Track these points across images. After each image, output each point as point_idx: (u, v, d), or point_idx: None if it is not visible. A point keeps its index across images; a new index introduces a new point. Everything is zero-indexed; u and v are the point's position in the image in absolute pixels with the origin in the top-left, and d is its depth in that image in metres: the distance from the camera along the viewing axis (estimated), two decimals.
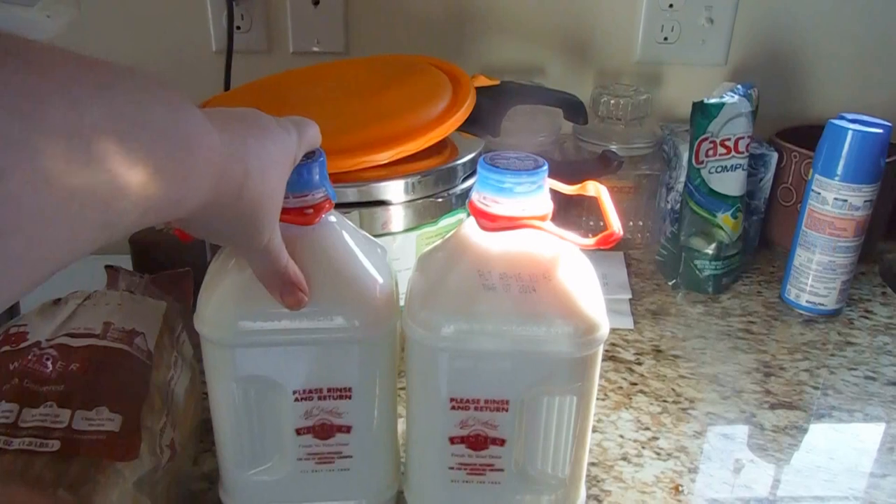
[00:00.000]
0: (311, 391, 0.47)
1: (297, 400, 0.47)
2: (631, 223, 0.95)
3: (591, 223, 0.95)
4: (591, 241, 0.45)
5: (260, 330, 0.46)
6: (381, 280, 0.48)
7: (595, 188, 0.50)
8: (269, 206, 0.41)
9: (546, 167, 0.45)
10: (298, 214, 0.46)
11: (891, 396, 0.70)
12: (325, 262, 0.46)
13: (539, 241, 0.46)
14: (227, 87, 0.89)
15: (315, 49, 0.95)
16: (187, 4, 0.92)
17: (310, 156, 0.46)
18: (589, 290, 0.47)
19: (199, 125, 0.34)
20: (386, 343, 0.49)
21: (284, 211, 0.44)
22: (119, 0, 0.91)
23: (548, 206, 0.46)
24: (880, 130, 0.78)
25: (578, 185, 0.51)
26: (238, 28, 0.92)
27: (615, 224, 0.45)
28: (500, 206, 0.45)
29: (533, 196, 0.45)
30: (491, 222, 0.45)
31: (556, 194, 0.49)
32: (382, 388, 0.49)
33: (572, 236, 0.45)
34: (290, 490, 0.51)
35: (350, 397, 0.48)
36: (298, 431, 0.48)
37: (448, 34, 0.97)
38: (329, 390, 0.47)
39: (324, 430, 0.48)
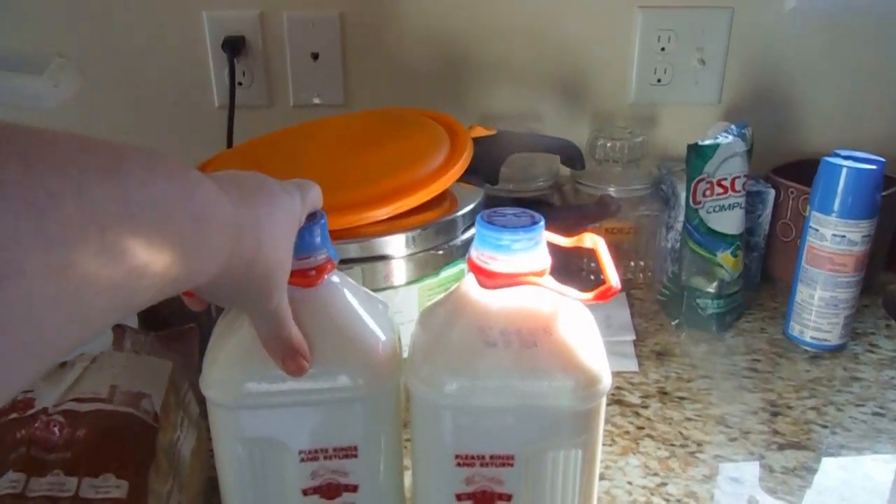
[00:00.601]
0: (316, 451, 0.47)
1: (302, 460, 0.48)
2: (632, 263, 0.96)
3: (593, 264, 0.95)
4: (589, 295, 0.45)
5: (265, 392, 0.46)
6: (383, 337, 0.48)
7: (592, 240, 0.51)
8: (279, 272, 0.42)
9: (542, 223, 0.46)
10: (301, 276, 0.46)
11: None
12: (328, 321, 0.47)
13: (538, 296, 0.46)
14: (229, 142, 0.90)
15: (315, 102, 0.97)
16: (189, 62, 0.94)
17: (311, 217, 0.47)
18: (590, 343, 0.47)
19: (212, 199, 0.34)
20: (390, 399, 0.49)
21: None
22: (121, 61, 0.93)
23: (546, 261, 0.47)
24: (874, 167, 0.79)
25: (575, 238, 0.51)
26: (240, 84, 0.94)
27: (613, 278, 0.46)
28: (498, 262, 0.46)
29: (531, 252, 0.46)
30: (490, 279, 0.46)
31: (554, 244, 0.49)
32: (388, 445, 0.50)
33: (571, 291, 0.46)
34: None
35: (356, 456, 0.48)
36: (305, 492, 0.48)
37: (444, 84, 0.98)
38: (335, 450, 0.48)
39: (330, 490, 0.49)
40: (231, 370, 0.47)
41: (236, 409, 0.47)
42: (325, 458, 0.48)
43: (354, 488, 0.49)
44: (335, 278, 0.48)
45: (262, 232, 0.39)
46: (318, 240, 0.47)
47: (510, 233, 0.45)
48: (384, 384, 0.48)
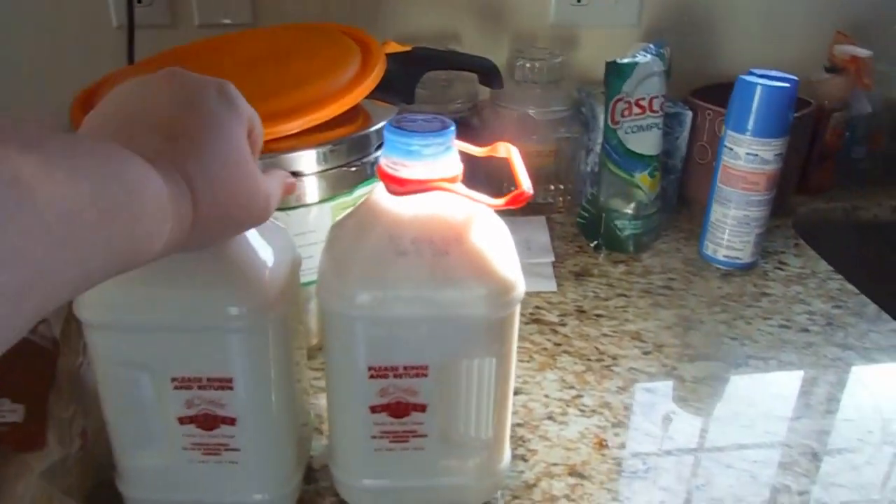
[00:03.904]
0: (190, 379, 0.45)
1: (175, 388, 0.45)
2: (552, 187, 0.96)
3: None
4: (501, 200, 0.44)
5: (139, 313, 0.44)
6: (270, 263, 0.46)
7: (506, 149, 0.50)
8: (240, 205, 0.39)
9: (453, 128, 0.45)
10: None
11: (804, 343, 0.73)
12: (214, 249, 0.43)
13: (450, 204, 0.45)
14: (130, 63, 0.85)
15: (223, 21, 0.92)
16: None
17: None
18: (503, 252, 0.47)
19: (141, 171, 0.32)
20: (275, 330, 0.46)
21: None
22: None
23: (457, 168, 0.45)
24: (787, 84, 0.80)
25: (489, 147, 0.50)
26: (139, 2, 0.88)
27: (525, 183, 0.45)
28: (408, 169, 0.44)
29: (441, 158, 0.44)
30: (400, 187, 0.44)
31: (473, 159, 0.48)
32: (272, 379, 0.47)
33: (483, 197, 0.45)
34: (182, 480, 0.49)
35: (231, 388, 0.46)
36: (181, 420, 0.47)
37: (359, 2, 0.95)
38: (209, 380, 0.45)
39: (207, 421, 0.47)
40: (104, 292, 0.43)
41: (109, 330, 0.45)
42: (199, 387, 0.45)
43: (232, 421, 0.47)
44: None
45: (196, 185, 0.36)
46: None
47: (420, 137, 0.43)
48: (265, 315, 0.45)
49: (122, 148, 0.32)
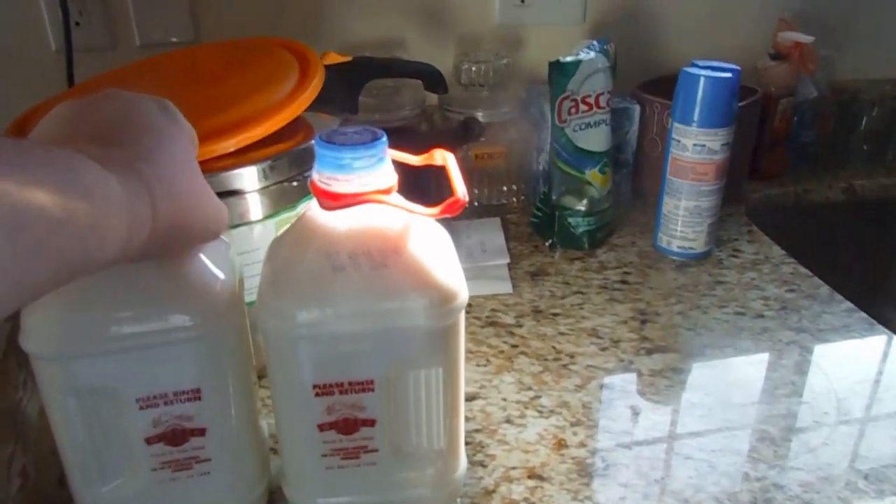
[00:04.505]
0: (155, 397, 0.45)
1: (141, 408, 0.45)
2: (505, 188, 0.96)
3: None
4: (435, 210, 0.44)
5: (92, 339, 0.43)
6: (221, 276, 0.45)
7: (441, 156, 0.49)
8: (193, 210, 0.39)
9: (384, 139, 0.44)
10: None
11: (759, 329, 0.74)
12: (160, 262, 0.44)
13: (386, 216, 0.45)
14: (70, 87, 0.84)
15: (163, 40, 0.91)
16: (19, 3, 0.86)
17: None
18: (443, 260, 0.46)
19: (95, 173, 0.31)
20: (231, 338, 0.47)
21: None
22: None
23: (391, 179, 0.45)
24: (730, 75, 0.80)
25: (425, 156, 0.50)
26: (77, 24, 0.87)
27: (460, 189, 0.45)
28: (340, 183, 0.44)
29: (374, 170, 0.44)
30: (333, 201, 0.44)
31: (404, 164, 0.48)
32: (235, 386, 0.48)
33: (417, 207, 0.45)
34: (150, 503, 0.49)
35: (200, 398, 0.46)
36: (149, 441, 0.46)
37: (300, 13, 0.94)
38: (175, 394, 0.45)
39: (176, 436, 0.46)
40: (50, 317, 0.42)
41: (60, 360, 0.43)
42: (166, 403, 0.45)
43: (202, 432, 0.47)
44: None
45: (153, 189, 0.35)
46: None
47: (350, 150, 0.43)
48: (222, 322, 0.45)
49: (74, 152, 0.31)
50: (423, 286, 0.45)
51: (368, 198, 0.44)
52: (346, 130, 0.45)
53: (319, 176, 0.44)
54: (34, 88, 0.83)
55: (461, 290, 0.46)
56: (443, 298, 0.45)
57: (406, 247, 0.45)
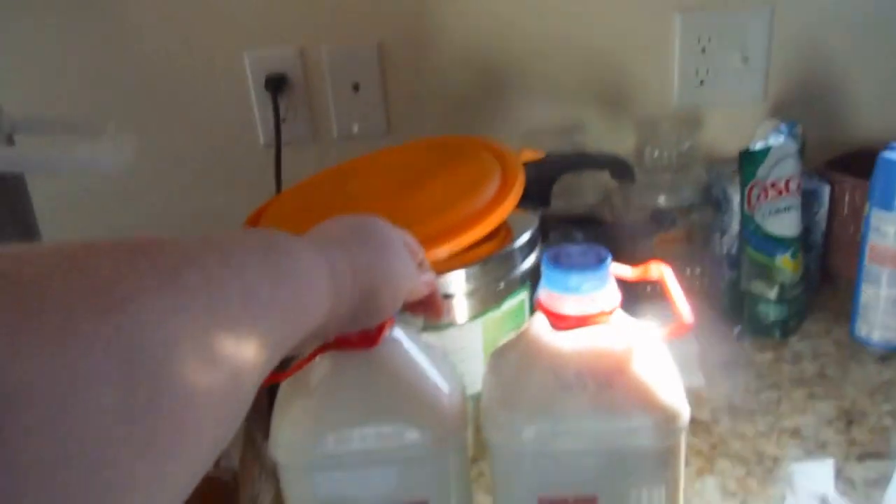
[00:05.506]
0: None
1: None
2: (688, 271, 0.94)
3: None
4: (662, 333, 0.45)
5: (336, 453, 0.46)
6: (447, 390, 0.48)
7: (658, 271, 0.50)
8: (388, 283, 0.44)
9: (609, 259, 0.46)
10: (361, 338, 0.46)
11: None
12: (393, 380, 0.47)
13: (611, 334, 0.46)
14: (277, 179, 0.91)
15: (359, 133, 0.97)
16: (233, 102, 0.95)
17: None
18: (665, 379, 0.47)
19: (309, 254, 0.37)
20: (459, 451, 0.49)
21: (344, 337, 0.45)
22: (167, 103, 0.95)
23: (616, 299, 0.46)
24: None
25: (641, 269, 0.51)
26: (284, 120, 0.95)
27: (685, 312, 0.45)
28: (568, 303, 0.45)
29: (600, 290, 0.45)
30: (562, 321, 0.46)
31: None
32: (458, 495, 0.49)
33: (644, 329, 0.45)
34: None
35: None
36: None
37: (486, 105, 0.98)
38: None
39: None
40: (300, 431, 0.47)
41: (307, 470, 0.47)
42: None
43: None
44: (395, 333, 0.49)
45: (375, 274, 0.42)
46: None
47: (578, 273, 0.45)
48: (452, 437, 0.48)
49: (294, 238, 0.38)
50: (647, 407, 0.45)
51: (597, 320, 0.45)
52: (571, 251, 0.47)
53: (547, 295, 0.46)
54: (247, 179, 0.92)
55: (684, 409, 0.46)
56: (667, 419, 0.45)
57: (630, 366, 0.46)
